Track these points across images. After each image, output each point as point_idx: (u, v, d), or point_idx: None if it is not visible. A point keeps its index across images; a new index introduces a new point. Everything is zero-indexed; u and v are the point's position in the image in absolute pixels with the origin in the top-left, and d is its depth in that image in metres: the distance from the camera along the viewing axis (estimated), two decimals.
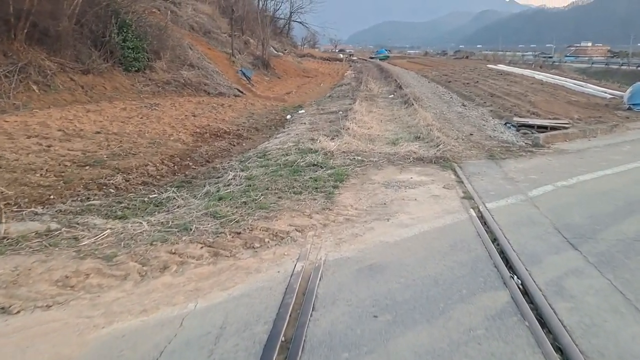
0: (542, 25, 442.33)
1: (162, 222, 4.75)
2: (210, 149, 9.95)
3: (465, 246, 4.33)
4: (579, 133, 10.75)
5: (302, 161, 7.35)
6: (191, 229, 4.52)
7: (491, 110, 17.81)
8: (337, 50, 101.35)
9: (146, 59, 17.22)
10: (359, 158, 7.62)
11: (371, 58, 75.31)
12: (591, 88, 24.78)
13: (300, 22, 65.18)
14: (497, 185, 6.33)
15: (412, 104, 14.69)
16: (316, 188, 6.00)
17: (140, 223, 4.60)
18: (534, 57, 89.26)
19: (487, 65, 47.03)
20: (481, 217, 5.07)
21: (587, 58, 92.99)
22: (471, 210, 5.29)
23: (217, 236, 4.40)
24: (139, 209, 5.73)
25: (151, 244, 4.18)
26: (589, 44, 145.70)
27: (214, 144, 10.47)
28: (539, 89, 24.86)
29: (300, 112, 15.00)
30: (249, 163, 7.91)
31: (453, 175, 6.82)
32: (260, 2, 37.72)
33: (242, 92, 19.92)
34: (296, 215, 5.03)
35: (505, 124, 13.53)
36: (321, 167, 7.02)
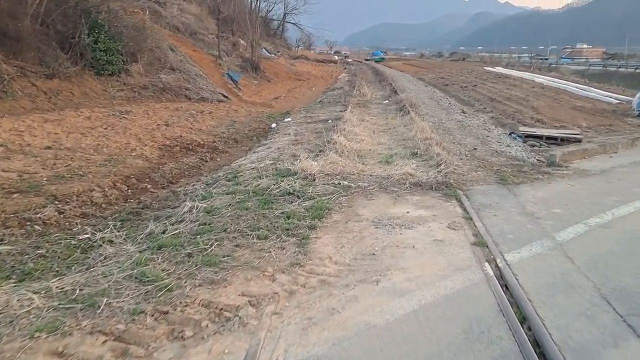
0: (537, 27, 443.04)
1: (66, 291, 3.45)
2: (176, 166, 8.65)
3: (484, 333, 3.05)
4: (598, 149, 9.51)
5: (277, 188, 6.06)
6: (100, 305, 3.22)
7: (492, 117, 16.63)
8: (332, 52, 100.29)
9: (121, 62, 15.90)
10: (345, 183, 6.35)
11: (366, 60, 74.15)
12: (595, 92, 23.67)
13: (294, 24, 64.03)
14: (515, 223, 5.06)
15: (408, 112, 13.45)
16: (287, 229, 4.71)
17: (32, 299, 3.28)
18: (529, 58, 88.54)
19: (485, 68, 45.95)
20: (501, 278, 3.80)
21: (584, 60, 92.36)
22: (486, 265, 4.02)
23: (134, 318, 3.11)
24: (58, 258, 4.44)
25: (32, 337, 2.88)
26: (585, 46, 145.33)
27: (183, 159, 9.18)
28: (540, 93, 23.73)
29: (286, 120, 13.73)
30: (214, 188, 6.63)
31: (459, 207, 5.54)
32: (252, 2, 36.48)
33: (226, 97, 18.62)
34: (254, 277, 3.74)
35: (510, 134, 12.32)
36: (298, 196, 5.73)
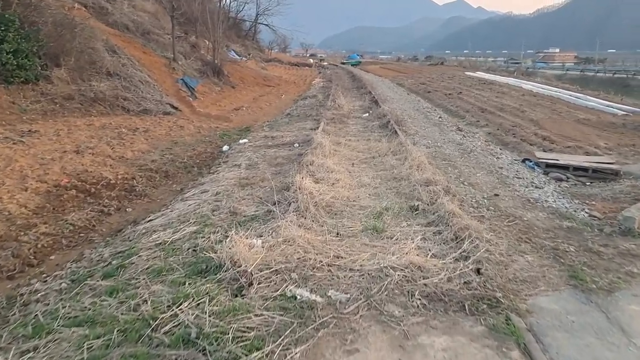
0: (509, 32, 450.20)
1: None
2: (54, 229, 5.65)
3: None
4: None
5: (171, 319, 3.14)
6: None
7: (489, 134, 14.09)
8: (307, 55, 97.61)
9: (38, 67, 12.71)
10: (305, 296, 3.47)
11: (342, 64, 71.61)
12: (594, 101, 21.47)
13: (266, 25, 60.94)
14: None
15: (395, 132, 10.69)
16: None
17: None
18: (504, 63, 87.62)
19: (466, 73, 43.88)
20: None
21: (560, 64, 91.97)
22: None
23: None
24: None
25: None
26: (557, 50, 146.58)
27: (71, 214, 6.16)
28: (534, 103, 21.40)
29: (242, 141, 10.79)
30: (79, 295, 3.70)
31: None
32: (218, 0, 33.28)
33: (175, 109, 15.57)
34: None
35: (524, 161, 9.70)
36: (203, 353, 2.82)
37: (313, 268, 3.85)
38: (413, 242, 4.43)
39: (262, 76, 28.36)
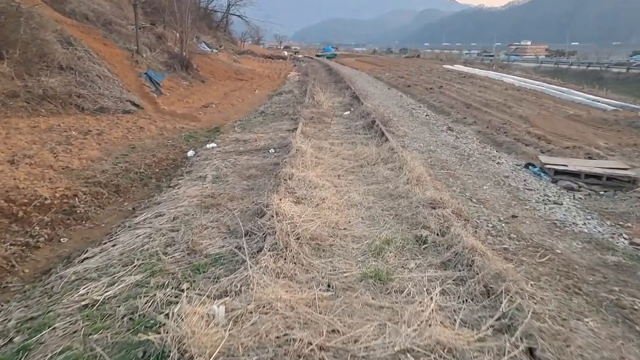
0: (481, 24, 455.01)
1: None
2: None
3: None
4: None
5: None
6: None
7: (479, 132, 13.13)
8: (282, 47, 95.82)
9: None
10: None
11: (317, 56, 70.18)
12: (580, 96, 20.85)
13: (238, 16, 59.00)
14: None
15: (383, 134, 9.54)
16: None
17: None
18: (477, 55, 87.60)
19: (443, 66, 43.18)
20: None
21: (533, 57, 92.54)
22: None
23: None
24: None
25: None
26: (529, 43, 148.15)
27: None
28: (519, 97, 20.64)
29: (210, 145, 9.46)
30: None
31: None
32: None
33: (137, 106, 14.07)
34: None
35: (527, 166, 8.71)
36: None
37: (299, 358, 2.64)
38: (432, 300, 3.26)
39: (234, 69, 26.83)
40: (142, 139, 10.38)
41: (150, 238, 4.70)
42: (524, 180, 7.32)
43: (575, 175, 7.84)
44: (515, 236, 4.77)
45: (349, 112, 13.35)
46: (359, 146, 8.78)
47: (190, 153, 9.28)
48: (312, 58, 63.90)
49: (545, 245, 4.56)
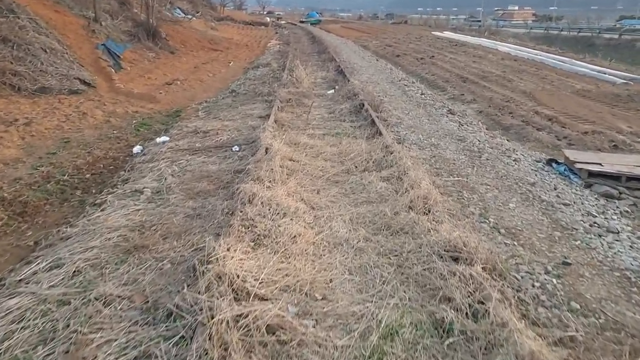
0: None
1: None
2: None
3: None
4: None
5: None
6: None
7: (481, 112, 11.55)
8: (265, 13, 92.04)
9: None
10: None
11: (301, 22, 67.13)
12: (583, 67, 19.21)
13: None
14: None
15: (374, 122, 7.83)
16: None
17: None
18: (464, 21, 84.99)
19: (432, 33, 41.10)
20: None
21: (522, 22, 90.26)
22: None
23: None
24: None
25: None
26: (516, 8, 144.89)
27: None
28: (517, 69, 18.94)
29: (161, 139, 7.63)
30: None
31: None
32: None
33: (88, 85, 12.06)
34: None
35: (550, 163, 7.13)
36: None
37: None
38: None
39: (209, 39, 24.53)
40: (81, 129, 8.52)
41: (23, 321, 3.02)
42: (555, 189, 5.71)
43: (614, 177, 6.28)
44: (578, 306, 3.18)
45: (333, 90, 11.55)
46: (345, 140, 7.05)
47: (137, 149, 7.48)
48: (295, 25, 61.02)
49: (627, 326, 2.99)
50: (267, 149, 6.30)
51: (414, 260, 3.57)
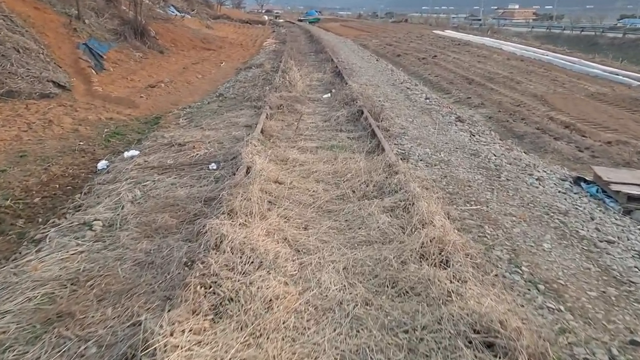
0: None
1: None
2: None
3: None
4: None
5: None
6: None
7: (490, 118, 10.60)
8: (263, 12, 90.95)
9: None
10: None
11: (299, 21, 66.10)
12: (595, 68, 18.23)
13: None
14: None
15: (374, 133, 6.85)
16: None
17: None
18: (464, 19, 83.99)
19: (434, 31, 40.14)
20: None
21: (523, 21, 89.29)
22: None
23: None
24: None
25: None
26: (517, 7, 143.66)
27: None
28: (525, 69, 17.97)
29: (129, 154, 6.63)
30: None
31: None
32: None
33: (62, 88, 11.06)
34: None
35: (577, 182, 6.17)
36: None
37: None
38: None
39: (201, 37, 23.50)
40: (43, 140, 7.51)
41: None
42: (592, 219, 4.74)
43: None
44: None
45: (329, 94, 10.55)
46: (342, 155, 6.05)
47: (102, 164, 6.49)
48: (293, 23, 60.00)
49: None
50: (248, 168, 5.32)
51: (431, 344, 2.58)
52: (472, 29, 45.20)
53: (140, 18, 19.37)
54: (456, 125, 8.42)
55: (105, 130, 8.27)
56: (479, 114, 11.04)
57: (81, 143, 7.51)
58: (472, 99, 12.48)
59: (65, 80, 11.72)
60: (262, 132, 7.11)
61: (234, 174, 5.15)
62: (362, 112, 8.01)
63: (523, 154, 7.22)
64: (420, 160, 6.19)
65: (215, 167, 5.73)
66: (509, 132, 9.37)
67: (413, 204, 4.19)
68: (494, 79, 15.58)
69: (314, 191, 4.97)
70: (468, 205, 4.76)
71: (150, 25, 20.44)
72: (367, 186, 4.97)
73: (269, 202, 4.45)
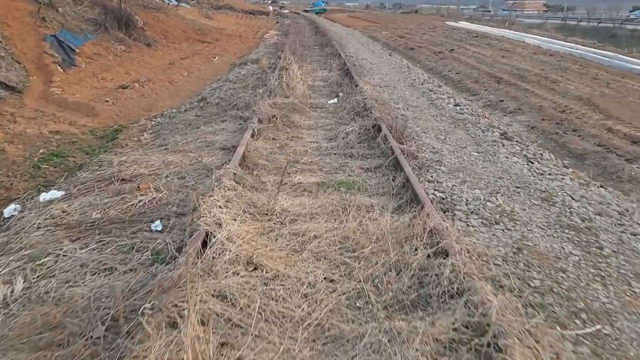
0: None
1: None
2: None
3: None
4: None
5: None
6: None
7: (533, 129, 8.51)
8: (268, 2, 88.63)
9: None
10: None
11: (305, 11, 63.78)
12: (634, 63, 16.13)
13: None
14: None
15: (399, 165, 4.79)
16: None
17: None
18: (473, 11, 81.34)
19: (447, 23, 37.83)
20: None
21: (536, 12, 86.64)
22: None
23: None
24: None
25: None
26: None
27: None
28: (557, 65, 15.72)
29: (45, 197, 4.65)
30: None
31: None
32: None
33: (13, 89, 9.07)
34: None
35: None
36: None
37: None
38: None
39: (196, 29, 21.39)
40: None
41: None
42: None
43: None
44: None
45: (335, 99, 8.48)
46: (354, 202, 4.02)
47: (10, 210, 4.49)
48: (298, 14, 57.72)
49: None
50: (208, 235, 3.32)
51: None
52: (487, 20, 42.77)
53: (124, 6, 17.29)
54: (503, 145, 6.35)
55: (41, 151, 6.26)
56: (518, 123, 9.00)
57: (1, 171, 5.51)
58: (506, 102, 10.44)
59: (19, 80, 9.78)
60: (243, 158, 5.09)
61: (183, 247, 3.15)
62: (380, 128, 5.95)
63: (607, 192, 5.15)
64: (472, 212, 4.14)
65: (159, 229, 3.72)
66: (563, 150, 7.33)
67: (488, 324, 2.15)
68: (525, 77, 13.47)
69: (309, 284, 2.95)
70: (583, 327, 2.71)
71: (137, 14, 18.40)
72: (398, 278, 2.94)
73: (225, 334, 2.43)
